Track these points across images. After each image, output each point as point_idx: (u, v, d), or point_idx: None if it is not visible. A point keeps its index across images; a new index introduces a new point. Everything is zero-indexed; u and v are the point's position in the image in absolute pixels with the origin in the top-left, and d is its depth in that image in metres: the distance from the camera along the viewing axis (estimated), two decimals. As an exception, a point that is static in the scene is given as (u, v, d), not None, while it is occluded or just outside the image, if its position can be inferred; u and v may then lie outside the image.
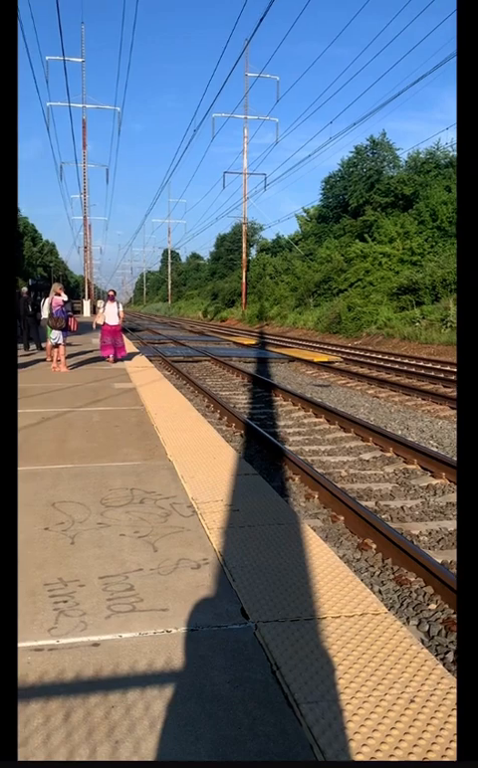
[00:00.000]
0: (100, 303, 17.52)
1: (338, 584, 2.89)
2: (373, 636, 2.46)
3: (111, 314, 12.67)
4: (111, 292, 13.09)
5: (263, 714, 1.98)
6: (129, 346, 18.16)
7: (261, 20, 15.74)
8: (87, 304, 43.24)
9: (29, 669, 2.21)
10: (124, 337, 13.84)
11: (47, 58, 32.70)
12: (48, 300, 11.38)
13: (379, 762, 1.75)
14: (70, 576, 2.93)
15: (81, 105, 34.20)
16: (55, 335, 10.92)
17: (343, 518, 4.84)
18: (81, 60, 32.33)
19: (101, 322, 12.77)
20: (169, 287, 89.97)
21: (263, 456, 6.76)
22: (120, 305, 13.02)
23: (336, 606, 2.68)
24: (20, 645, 2.35)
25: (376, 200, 36.05)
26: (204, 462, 5.00)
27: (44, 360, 12.96)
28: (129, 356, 14.14)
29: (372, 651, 2.35)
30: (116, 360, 12.93)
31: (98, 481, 4.45)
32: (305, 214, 48.98)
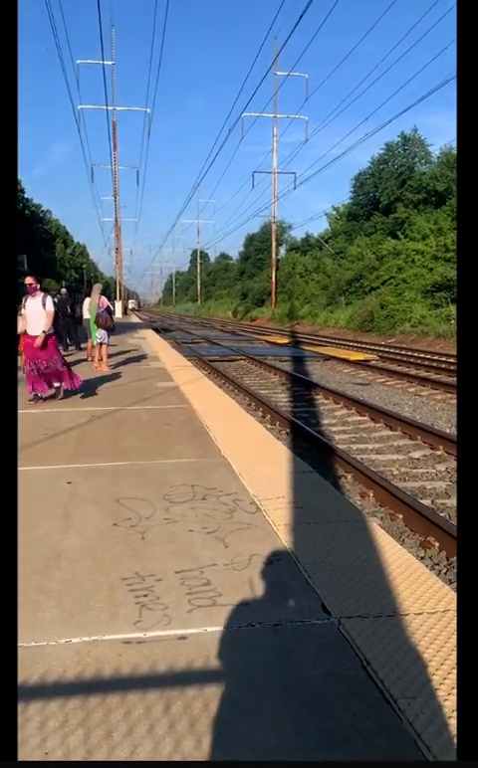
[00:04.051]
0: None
1: (415, 580, 2.86)
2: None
3: (32, 317, 7.51)
4: (28, 280, 7.57)
5: (362, 709, 1.97)
6: (164, 350, 17.92)
7: (298, 21, 15.59)
8: (119, 305, 43.75)
9: (121, 661, 2.23)
10: (65, 357, 8.65)
11: (78, 62, 33.12)
12: (91, 301, 11.43)
13: (380, 762, 1.76)
14: (146, 571, 2.95)
15: (111, 108, 34.50)
16: (100, 335, 10.97)
17: (401, 516, 4.79)
18: (111, 63, 32.63)
19: (20, 331, 7.49)
20: (199, 286, 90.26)
21: (312, 454, 6.73)
22: (50, 299, 7.60)
23: (417, 602, 2.65)
24: (108, 637, 2.38)
25: (408, 197, 35.67)
26: (259, 459, 5.00)
27: (84, 360, 13.11)
28: (81, 392, 8.28)
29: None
30: (49, 398, 7.90)
31: (158, 478, 4.48)
32: (335, 212, 48.69)
